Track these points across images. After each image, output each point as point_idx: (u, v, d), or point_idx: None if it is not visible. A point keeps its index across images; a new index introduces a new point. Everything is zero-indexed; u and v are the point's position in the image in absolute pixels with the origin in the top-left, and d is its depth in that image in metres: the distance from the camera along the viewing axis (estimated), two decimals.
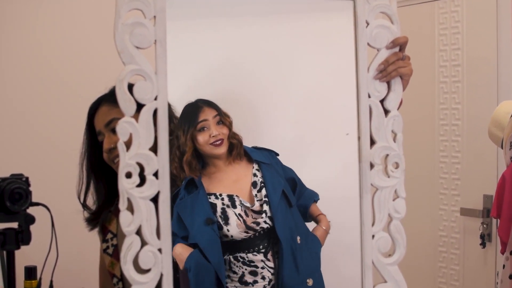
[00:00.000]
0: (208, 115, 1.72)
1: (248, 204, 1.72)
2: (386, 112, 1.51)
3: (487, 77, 3.14)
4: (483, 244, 3.12)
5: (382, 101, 1.51)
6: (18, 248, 1.54)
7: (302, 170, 1.78)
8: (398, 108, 1.52)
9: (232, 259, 1.71)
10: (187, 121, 1.71)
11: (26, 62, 2.71)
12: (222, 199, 1.72)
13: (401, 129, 1.51)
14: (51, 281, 1.69)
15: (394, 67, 1.49)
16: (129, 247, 1.32)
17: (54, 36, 2.75)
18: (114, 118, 1.67)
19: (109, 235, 1.79)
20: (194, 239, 1.65)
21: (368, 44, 1.51)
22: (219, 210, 1.70)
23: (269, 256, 1.72)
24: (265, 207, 1.72)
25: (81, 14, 2.80)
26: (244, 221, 1.70)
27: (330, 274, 1.76)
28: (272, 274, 1.72)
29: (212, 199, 1.71)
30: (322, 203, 1.79)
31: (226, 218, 1.70)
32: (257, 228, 1.71)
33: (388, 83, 1.51)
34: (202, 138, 1.70)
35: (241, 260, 1.71)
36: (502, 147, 2.47)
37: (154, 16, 1.37)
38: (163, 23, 1.37)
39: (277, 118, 1.80)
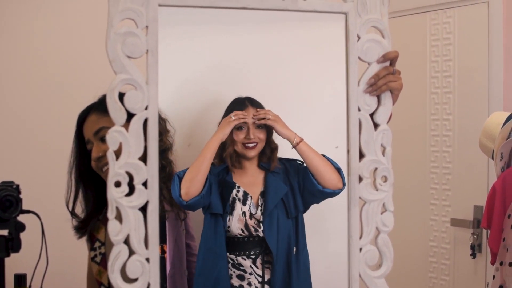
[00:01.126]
0: (250, 117, 1.75)
1: (254, 210, 1.75)
2: (376, 125, 1.51)
3: (478, 88, 3.15)
4: (473, 255, 3.12)
5: (371, 115, 1.51)
6: (8, 255, 1.54)
7: None
8: (387, 122, 1.52)
9: None
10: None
11: (17, 70, 2.70)
12: (238, 191, 1.76)
13: (390, 143, 1.51)
14: None
15: (385, 81, 1.49)
16: (117, 256, 1.32)
17: (46, 44, 2.74)
18: (103, 127, 1.67)
19: (97, 244, 1.78)
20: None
21: (359, 58, 1.51)
22: (230, 198, 1.75)
23: (258, 263, 1.73)
24: (263, 217, 1.74)
25: (71, 23, 2.79)
26: (246, 220, 1.73)
27: (317, 285, 1.77)
28: (259, 282, 1.73)
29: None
30: (311, 214, 1.80)
31: (232, 208, 1.74)
32: (254, 233, 1.73)
33: (378, 97, 1.52)
34: (237, 136, 1.76)
35: (231, 261, 1.73)
36: (492, 158, 2.48)
37: (147, 26, 1.37)
38: (155, 33, 1.37)
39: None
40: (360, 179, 1.51)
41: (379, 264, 1.53)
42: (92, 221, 1.80)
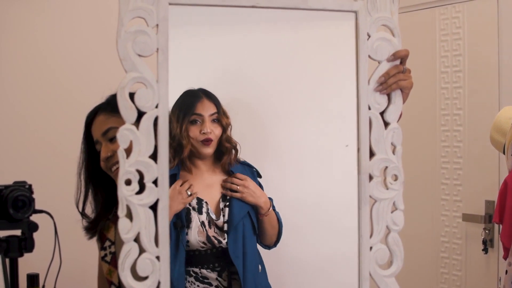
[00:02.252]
0: (205, 110, 1.68)
1: (213, 216, 1.67)
2: (386, 124, 1.51)
3: (488, 83, 3.14)
4: (485, 250, 3.12)
5: (382, 113, 1.51)
6: (22, 255, 1.54)
7: (301, 180, 1.79)
8: (398, 121, 1.52)
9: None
10: (183, 108, 1.66)
11: (28, 69, 2.71)
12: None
13: (401, 141, 1.51)
14: None
15: (395, 80, 1.48)
16: (127, 254, 1.33)
17: (54, 45, 2.75)
18: (111, 127, 1.67)
19: (107, 243, 1.79)
20: None
21: (369, 56, 1.51)
22: (184, 209, 1.65)
23: (224, 276, 1.66)
24: (227, 226, 1.66)
25: (81, 23, 2.79)
26: (207, 231, 1.65)
27: (327, 284, 1.77)
28: None
29: None
30: (321, 212, 1.79)
31: (188, 221, 1.64)
32: (217, 245, 1.65)
33: (389, 96, 1.51)
34: (192, 132, 1.66)
35: (194, 275, 1.66)
36: (504, 153, 2.48)
37: (157, 25, 1.37)
38: (166, 32, 1.37)
39: (279, 128, 1.80)
40: (371, 177, 1.51)
41: (389, 262, 1.52)
42: (101, 221, 1.81)
